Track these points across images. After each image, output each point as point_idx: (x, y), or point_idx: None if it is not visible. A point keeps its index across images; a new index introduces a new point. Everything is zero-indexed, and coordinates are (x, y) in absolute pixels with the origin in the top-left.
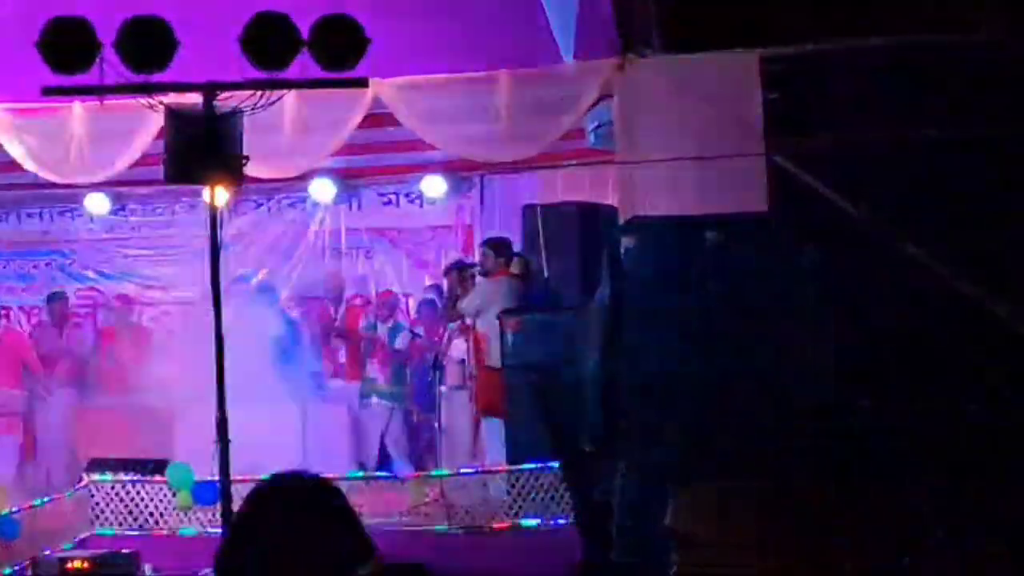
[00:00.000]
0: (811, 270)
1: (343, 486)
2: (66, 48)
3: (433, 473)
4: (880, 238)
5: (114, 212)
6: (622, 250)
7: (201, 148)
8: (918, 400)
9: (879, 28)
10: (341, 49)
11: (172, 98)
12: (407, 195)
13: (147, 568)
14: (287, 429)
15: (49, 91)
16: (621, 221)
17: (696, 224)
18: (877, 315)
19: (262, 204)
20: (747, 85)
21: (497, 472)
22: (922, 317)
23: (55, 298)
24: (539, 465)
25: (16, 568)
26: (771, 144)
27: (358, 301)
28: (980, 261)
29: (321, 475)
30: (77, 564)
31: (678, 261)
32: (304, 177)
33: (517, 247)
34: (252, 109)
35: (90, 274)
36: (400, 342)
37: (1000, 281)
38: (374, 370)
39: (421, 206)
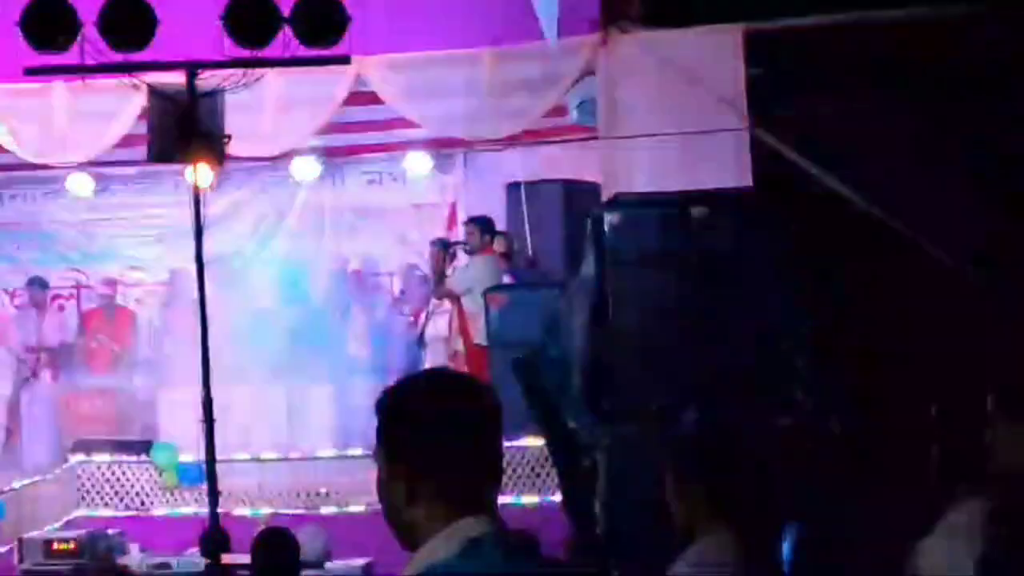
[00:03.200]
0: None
1: (328, 465)
2: (47, 28)
3: None
4: (865, 213)
5: (97, 192)
6: (606, 227)
7: (183, 127)
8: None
9: (863, 2)
10: (322, 26)
11: (154, 77)
12: (390, 173)
13: (133, 548)
14: (272, 408)
15: (31, 71)
16: (604, 198)
17: (680, 200)
18: (858, 289)
19: (245, 183)
20: (730, 60)
21: None
22: (903, 291)
23: (36, 281)
24: (525, 442)
25: (2, 549)
26: (755, 120)
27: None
28: (966, 238)
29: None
30: (63, 545)
31: (662, 237)
32: (287, 156)
33: (501, 225)
34: (234, 88)
35: (73, 255)
36: (380, 319)
37: (985, 256)
38: (356, 348)
39: (405, 184)
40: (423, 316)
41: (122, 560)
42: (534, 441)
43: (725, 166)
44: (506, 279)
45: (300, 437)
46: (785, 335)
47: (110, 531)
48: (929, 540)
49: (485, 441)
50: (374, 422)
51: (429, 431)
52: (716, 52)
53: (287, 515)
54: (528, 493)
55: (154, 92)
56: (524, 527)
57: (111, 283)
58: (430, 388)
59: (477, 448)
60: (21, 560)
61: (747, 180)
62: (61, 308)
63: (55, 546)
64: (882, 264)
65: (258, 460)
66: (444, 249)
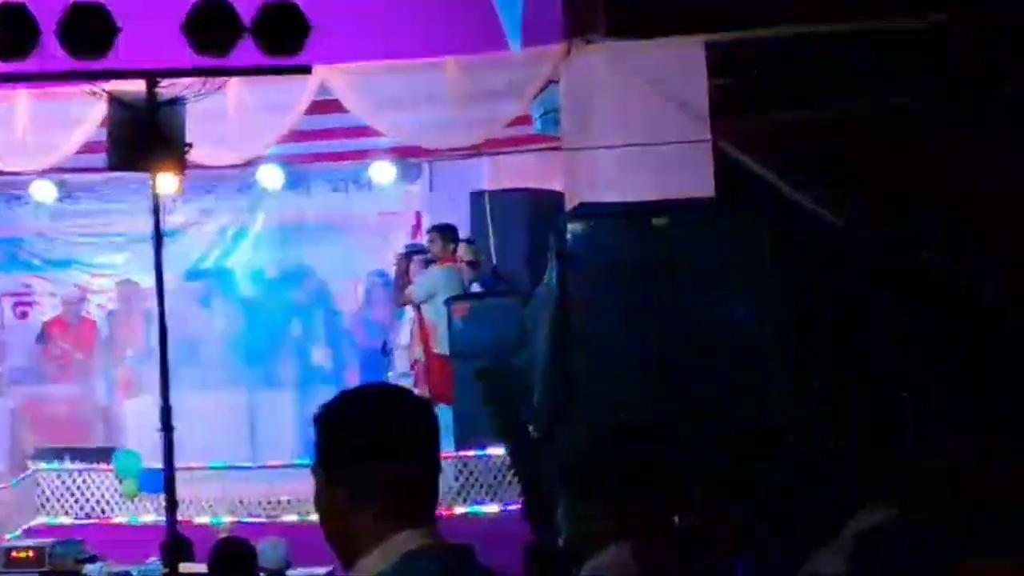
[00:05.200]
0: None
1: (290, 473)
2: (8, 36)
3: None
4: (826, 222)
5: (60, 200)
6: (569, 236)
7: (144, 135)
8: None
9: (825, 14)
10: (284, 35)
11: (116, 85)
12: (355, 182)
13: (94, 556)
14: (234, 417)
15: None
16: (568, 207)
17: (643, 210)
18: (820, 297)
19: (211, 191)
20: (694, 71)
21: (446, 459)
22: (865, 299)
23: None
24: (487, 451)
25: None
26: (718, 130)
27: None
28: (924, 241)
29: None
30: (23, 553)
31: (625, 247)
32: (253, 164)
33: (465, 233)
34: (195, 96)
35: (36, 262)
36: (344, 327)
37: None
38: (320, 357)
39: (369, 192)
40: (387, 324)
41: (83, 568)
42: (495, 450)
43: (688, 176)
44: (476, 287)
45: (262, 445)
46: (748, 344)
47: (71, 539)
48: (822, 551)
49: (422, 456)
50: None
51: (366, 448)
52: (679, 63)
53: (248, 524)
54: (490, 501)
55: (114, 100)
56: (485, 535)
57: (74, 290)
58: (366, 404)
59: (414, 464)
60: None
61: (709, 190)
62: (24, 315)
63: (14, 554)
64: (844, 273)
65: (219, 468)
66: (407, 258)
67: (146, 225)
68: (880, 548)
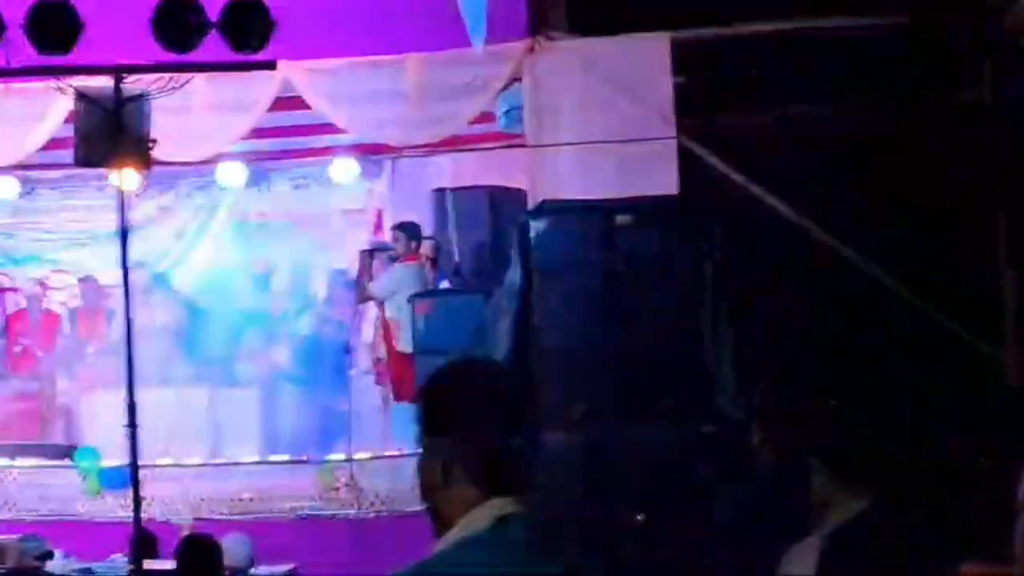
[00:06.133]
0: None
1: (253, 470)
2: None
3: (343, 458)
4: (789, 223)
5: (22, 196)
6: (531, 234)
7: (109, 131)
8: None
9: (790, 11)
10: (249, 32)
11: (81, 81)
12: (317, 179)
13: (56, 553)
14: (196, 414)
15: None
16: (531, 205)
17: (605, 208)
18: (778, 298)
19: (170, 188)
20: (658, 68)
21: (408, 456)
22: (829, 300)
23: None
24: None
25: None
26: (682, 128)
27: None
28: (887, 246)
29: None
30: None
31: (587, 245)
32: (214, 161)
33: (427, 231)
34: (160, 92)
35: None
36: (306, 325)
37: (908, 267)
38: (281, 354)
39: (331, 189)
40: (349, 322)
41: (45, 565)
42: None
43: (652, 174)
44: (444, 284)
45: (225, 443)
46: (709, 343)
47: (33, 536)
48: (797, 546)
49: (516, 428)
50: (300, 426)
51: (466, 417)
52: (644, 60)
53: (212, 521)
54: None
55: (80, 96)
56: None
57: (36, 287)
58: (467, 376)
59: (509, 435)
60: None
61: (673, 188)
62: None
63: None
64: (808, 274)
65: (182, 465)
66: (370, 256)
67: (107, 221)
68: (851, 544)
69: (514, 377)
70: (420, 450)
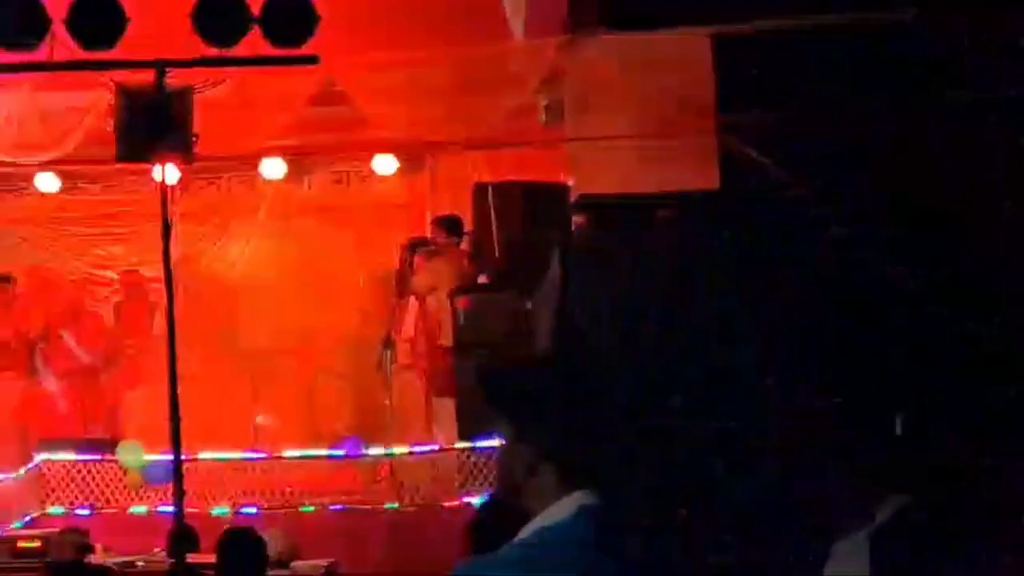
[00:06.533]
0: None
1: (293, 464)
2: (16, 25)
3: (384, 452)
4: (826, 219)
5: (65, 191)
6: (573, 228)
7: (152, 126)
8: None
9: (831, 7)
10: (292, 26)
11: (123, 76)
12: (358, 174)
13: (98, 547)
14: (238, 408)
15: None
16: (571, 199)
17: (646, 202)
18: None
19: (212, 183)
20: (699, 63)
21: (448, 451)
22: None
23: (1, 279)
24: (489, 444)
25: None
26: (723, 123)
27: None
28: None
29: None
30: (28, 544)
31: (628, 239)
32: (255, 155)
33: (468, 226)
34: (203, 86)
35: (41, 253)
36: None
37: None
38: (324, 348)
39: (372, 184)
40: (390, 316)
41: (88, 559)
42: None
43: (692, 169)
44: (481, 279)
45: (267, 436)
46: (751, 337)
47: (75, 529)
48: (843, 543)
49: (596, 424)
50: (340, 420)
51: (551, 414)
52: (685, 55)
53: (253, 514)
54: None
55: (122, 90)
56: None
57: (78, 282)
58: (552, 372)
59: (590, 430)
60: None
61: (714, 183)
62: (27, 307)
63: (20, 545)
64: (845, 271)
65: (223, 459)
66: (411, 250)
67: (149, 216)
68: (902, 540)
69: (599, 378)
70: (504, 441)
